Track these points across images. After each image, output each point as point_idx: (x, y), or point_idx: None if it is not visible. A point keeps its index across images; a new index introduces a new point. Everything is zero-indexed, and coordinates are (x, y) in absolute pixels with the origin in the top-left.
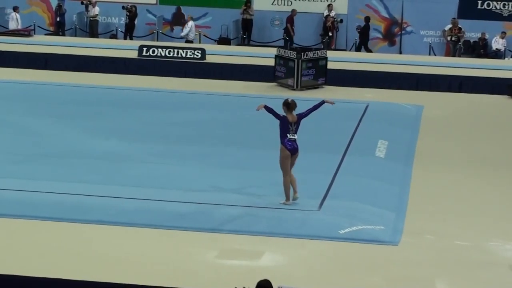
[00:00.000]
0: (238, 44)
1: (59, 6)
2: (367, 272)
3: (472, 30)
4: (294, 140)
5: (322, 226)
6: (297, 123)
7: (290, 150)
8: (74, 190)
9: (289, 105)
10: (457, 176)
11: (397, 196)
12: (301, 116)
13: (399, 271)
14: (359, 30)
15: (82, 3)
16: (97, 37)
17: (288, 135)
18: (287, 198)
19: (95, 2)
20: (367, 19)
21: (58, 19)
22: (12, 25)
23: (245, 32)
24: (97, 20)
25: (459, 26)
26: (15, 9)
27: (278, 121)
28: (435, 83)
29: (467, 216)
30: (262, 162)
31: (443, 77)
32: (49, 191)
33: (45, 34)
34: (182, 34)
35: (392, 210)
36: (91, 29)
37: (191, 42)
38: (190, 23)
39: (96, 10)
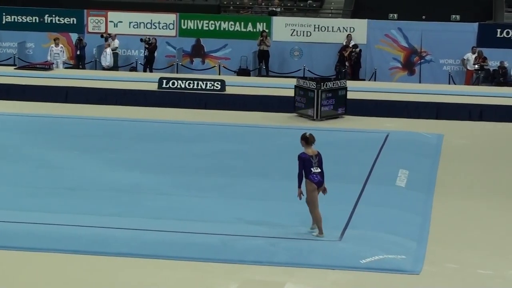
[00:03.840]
0: (257, 75)
1: (80, 40)
2: None
3: (491, 59)
4: (319, 173)
5: (343, 256)
6: (318, 155)
7: (317, 183)
8: (96, 223)
9: (307, 140)
10: (479, 205)
11: (418, 225)
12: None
13: None
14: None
15: (101, 36)
16: (118, 69)
17: (312, 169)
18: (320, 231)
19: (115, 35)
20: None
21: (78, 52)
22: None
23: (262, 63)
24: (117, 53)
25: (484, 55)
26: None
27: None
28: (455, 111)
29: (489, 245)
30: (282, 192)
31: (463, 105)
32: (71, 224)
33: (65, 68)
34: (105, 64)
35: (413, 239)
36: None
37: (110, 69)
38: (108, 50)
39: (116, 43)
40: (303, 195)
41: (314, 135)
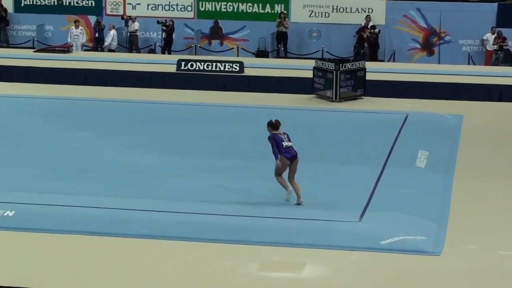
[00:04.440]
0: (275, 57)
1: (98, 22)
2: (409, 283)
3: (511, 39)
4: (291, 146)
5: (363, 237)
6: (286, 133)
7: (290, 158)
8: (115, 205)
9: (274, 125)
10: (499, 185)
11: (438, 207)
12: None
13: (441, 282)
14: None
15: (122, 18)
16: (139, 51)
17: (283, 143)
18: (287, 188)
19: (135, 17)
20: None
21: (96, 34)
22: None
23: (281, 45)
24: (137, 35)
25: (504, 36)
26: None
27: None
28: (475, 92)
29: (509, 226)
30: (301, 174)
31: (483, 86)
32: (89, 205)
33: (84, 50)
34: (106, 43)
35: (433, 221)
36: (131, 44)
37: (113, 51)
38: (112, 32)
39: (136, 25)
40: (280, 164)
41: (333, 116)
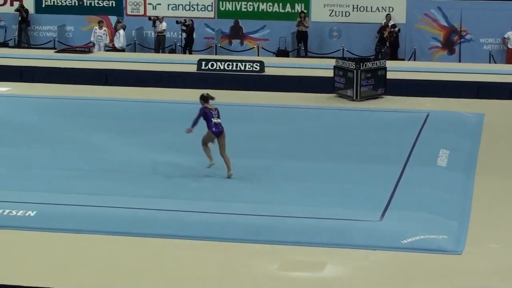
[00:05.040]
0: (296, 56)
1: (119, 22)
2: (431, 282)
3: None
4: (219, 123)
5: (384, 236)
6: (217, 109)
7: (216, 133)
8: (136, 204)
9: (205, 98)
10: None
11: (460, 205)
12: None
13: (462, 281)
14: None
15: (149, 18)
16: (164, 52)
17: (212, 119)
18: (211, 159)
19: (162, 17)
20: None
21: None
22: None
23: (301, 44)
24: (165, 36)
25: None
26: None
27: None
28: (496, 91)
29: None
30: (322, 173)
31: (504, 84)
32: (111, 205)
33: (105, 50)
34: (117, 45)
35: (455, 219)
36: (158, 44)
37: (123, 50)
38: (121, 32)
39: (163, 25)
40: (191, 132)
41: (354, 115)
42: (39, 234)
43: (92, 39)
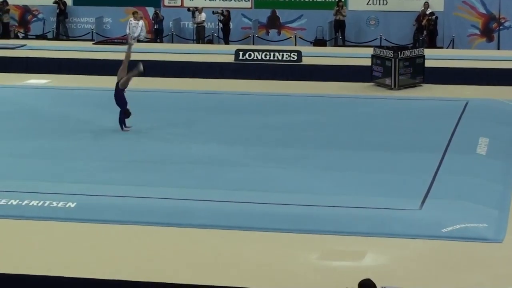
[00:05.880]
0: (333, 45)
1: (156, 14)
2: (471, 270)
3: None
4: None
5: (424, 225)
6: None
7: None
8: (176, 195)
9: None
10: None
11: (500, 194)
12: None
13: (503, 269)
14: None
15: (188, 10)
16: (204, 42)
17: None
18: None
19: (202, 8)
20: None
21: (156, 26)
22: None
23: (338, 33)
24: (204, 26)
25: None
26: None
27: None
28: None
29: None
30: (361, 162)
31: None
32: (151, 196)
33: (143, 41)
34: (135, 35)
35: (495, 208)
36: (198, 35)
37: (142, 41)
38: (140, 23)
39: (203, 16)
40: None
41: (392, 103)
42: (79, 225)
43: (127, 30)
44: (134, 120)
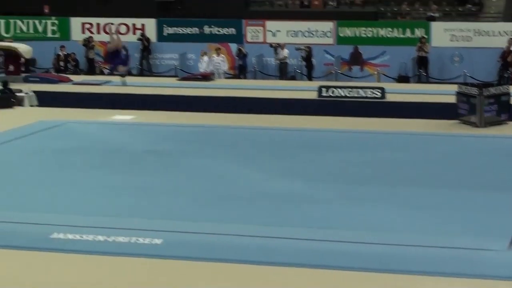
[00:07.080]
0: (417, 82)
1: (239, 50)
2: None
3: None
4: None
5: None
6: None
7: None
8: (260, 233)
9: None
10: None
11: None
12: None
13: None
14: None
15: (271, 46)
16: (288, 78)
17: None
18: None
19: (284, 44)
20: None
21: (240, 62)
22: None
23: (422, 69)
24: (287, 63)
25: None
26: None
27: None
28: None
29: None
30: (446, 201)
31: None
32: (235, 233)
33: (226, 78)
34: (201, 70)
35: None
36: (281, 71)
37: (206, 76)
38: (205, 58)
39: (285, 52)
40: None
41: (477, 142)
42: (165, 262)
43: (210, 67)
44: (222, 156)
